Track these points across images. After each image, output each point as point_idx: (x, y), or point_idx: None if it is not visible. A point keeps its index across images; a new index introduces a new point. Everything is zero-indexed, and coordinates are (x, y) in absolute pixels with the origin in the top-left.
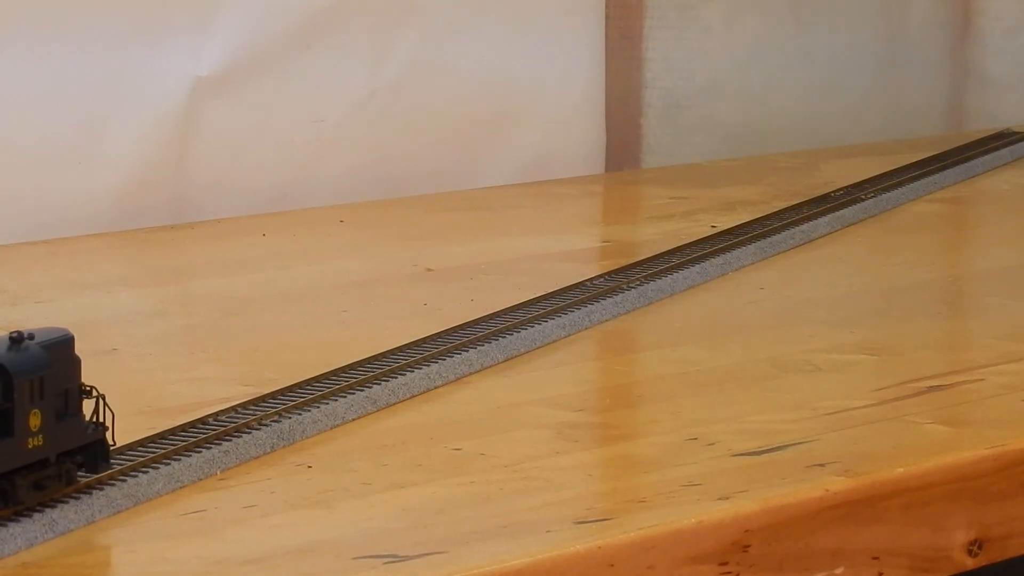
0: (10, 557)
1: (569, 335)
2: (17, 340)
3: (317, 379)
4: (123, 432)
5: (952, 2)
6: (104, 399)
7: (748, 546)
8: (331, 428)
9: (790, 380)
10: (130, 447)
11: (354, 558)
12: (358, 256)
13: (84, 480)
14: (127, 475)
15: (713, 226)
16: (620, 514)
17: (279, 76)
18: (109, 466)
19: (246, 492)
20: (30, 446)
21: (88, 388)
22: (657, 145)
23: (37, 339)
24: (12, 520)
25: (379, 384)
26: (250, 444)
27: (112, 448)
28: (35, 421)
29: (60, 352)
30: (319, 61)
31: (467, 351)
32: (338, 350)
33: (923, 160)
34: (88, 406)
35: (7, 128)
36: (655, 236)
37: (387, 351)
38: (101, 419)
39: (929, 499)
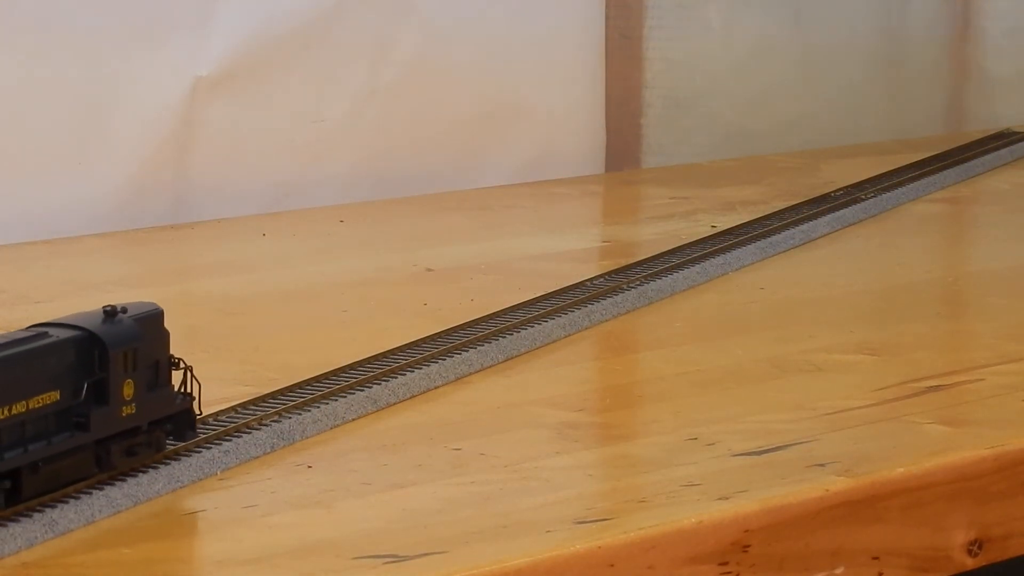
0: (10, 557)
1: (569, 335)
2: (111, 313)
3: (317, 379)
4: None
5: (952, 2)
6: (191, 370)
7: (748, 546)
8: (331, 428)
9: (790, 380)
10: None
11: (354, 558)
12: (358, 256)
13: (172, 448)
14: (127, 475)
15: (713, 226)
16: (620, 514)
17: (279, 76)
18: (196, 435)
19: (246, 492)
20: (124, 414)
21: (176, 360)
22: (657, 145)
23: (129, 312)
24: (12, 520)
25: (379, 384)
26: (250, 444)
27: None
28: (128, 391)
29: (151, 325)
30: (319, 61)
31: (467, 351)
32: (338, 350)
33: (923, 160)
34: (176, 377)
35: (8, 128)
36: (655, 236)
37: (387, 351)
38: (188, 390)
39: (929, 499)
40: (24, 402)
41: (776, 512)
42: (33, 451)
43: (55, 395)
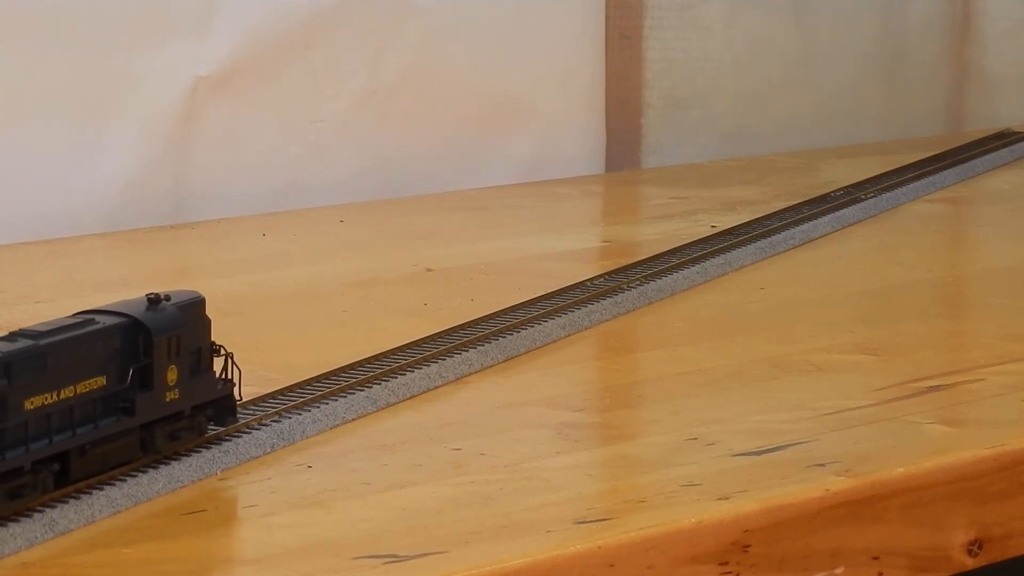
0: (10, 557)
1: (569, 335)
2: (155, 301)
3: (317, 379)
4: None
5: (952, 2)
6: (232, 357)
7: (748, 546)
8: (331, 428)
9: (790, 380)
10: None
11: (354, 558)
12: (358, 256)
13: (213, 432)
14: (127, 475)
15: (713, 226)
16: (620, 514)
17: (279, 76)
18: (236, 420)
19: (246, 492)
20: (167, 399)
21: (218, 347)
22: (657, 145)
23: (172, 300)
24: (12, 520)
25: (379, 384)
26: (250, 444)
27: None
28: (172, 376)
29: (193, 313)
30: (319, 61)
31: (467, 351)
32: (338, 350)
33: (923, 160)
34: (217, 363)
35: (8, 128)
36: (655, 236)
37: (387, 351)
38: (229, 376)
39: (929, 499)
40: (72, 387)
41: (776, 512)
42: (80, 435)
43: (101, 380)
